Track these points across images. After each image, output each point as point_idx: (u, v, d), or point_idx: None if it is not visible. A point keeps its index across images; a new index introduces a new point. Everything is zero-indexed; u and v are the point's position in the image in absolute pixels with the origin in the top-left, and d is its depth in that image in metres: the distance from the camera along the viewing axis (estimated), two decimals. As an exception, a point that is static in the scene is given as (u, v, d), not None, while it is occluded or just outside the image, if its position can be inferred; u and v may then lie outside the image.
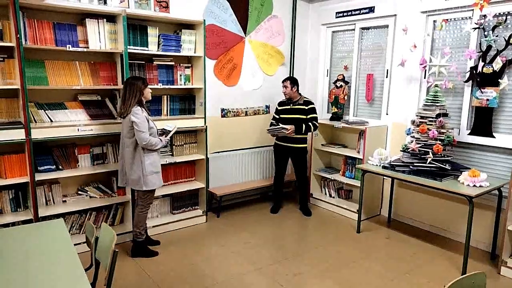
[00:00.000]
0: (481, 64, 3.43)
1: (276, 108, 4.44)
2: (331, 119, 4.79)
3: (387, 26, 4.33)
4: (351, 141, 4.73)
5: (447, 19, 3.63)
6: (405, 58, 3.89)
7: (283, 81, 4.30)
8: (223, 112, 4.58)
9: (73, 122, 3.37)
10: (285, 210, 4.64)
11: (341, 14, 4.73)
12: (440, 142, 3.43)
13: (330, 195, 4.88)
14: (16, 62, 3.00)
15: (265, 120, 4.85)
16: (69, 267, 1.81)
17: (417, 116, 3.64)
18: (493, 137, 3.52)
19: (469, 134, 3.68)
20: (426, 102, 3.58)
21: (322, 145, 4.81)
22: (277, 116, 4.39)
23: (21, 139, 3.03)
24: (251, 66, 4.73)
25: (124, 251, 3.45)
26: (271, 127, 4.30)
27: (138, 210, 3.40)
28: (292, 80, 4.27)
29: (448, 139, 3.44)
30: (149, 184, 3.27)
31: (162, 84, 3.82)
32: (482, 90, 3.49)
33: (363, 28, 4.62)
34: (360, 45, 4.67)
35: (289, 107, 4.31)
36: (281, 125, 4.19)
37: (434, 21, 3.87)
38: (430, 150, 3.45)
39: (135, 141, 3.18)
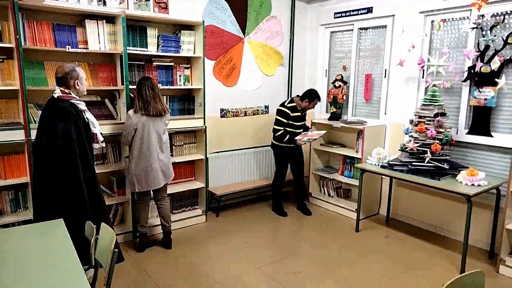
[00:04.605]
0: (479, 63, 3.44)
1: (289, 114, 4.21)
2: (330, 118, 4.81)
3: (385, 27, 4.34)
4: (350, 140, 4.74)
5: (445, 19, 3.65)
6: (403, 58, 3.90)
7: (313, 101, 4.21)
8: (223, 112, 4.59)
9: (73, 123, 3.36)
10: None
11: (339, 15, 4.75)
12: (438, 142, 3.45)
13: (329, 195, 4.90)
14: (15, 63, 3.01)
15: (264, 120, 4.86)
16: (68, 267, 1.82)
17: (415, 115, 3.65)
18: (491, 136, 3.54)
19: (467, 133, 3.69)
20: (424, 101, 3.60)
21: (321, 144, 4.83)
22: (287, 122, 4.23)
23: (21, 140, 3.04)
24: (250, 67, 4.74)
25: (124, 251, 3.45)
26: (307, 138, 4.21)
27: (168, 202, 3.68)
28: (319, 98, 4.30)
29: (446, 138, 3.46)
30: None
31: (162, 85, 3.83)
32: (480, 89, 3.50)
33: (361, 29, 4.63)
34: (358, 46, 4.68)
35: (300, 114, 4.29)
36: (315, 132, 4.29)
37: (432, 21, 3.89)
38: (428, 150, 3.46)
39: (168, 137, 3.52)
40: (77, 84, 2.76)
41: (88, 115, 2.81)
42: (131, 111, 3.32)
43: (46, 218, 2.44)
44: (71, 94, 2.72)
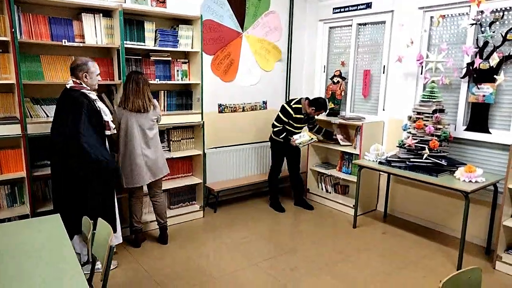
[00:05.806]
0: (478, 60, 3.43)
1: (291, 115, 4.17)
2: (328, 114, 4.79)
3: (384, 22, 4.32)
4: (348, 136, 4.73)
5: (444, 15, 3.63)
6: (402, 54, 3.89)
7: (319, 111, 4.19)
8: (221, 108, 4.57)
9: (69, 117, 3.34)
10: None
11: (338, 10, 4.73)
12: (436, 138, 3.45)
13: (327, 191, 4.90)
14: (11, 57, 2.98)
15: (263, 116, 4.85)
16: (65, 263, 1.81)
17: (413, 112, 3.64)
18: (489, 133, 3.54)
19: (465, 130, 3.69)
20: (422, 98, 3.59)
21: (319, 140, 4.81)
22: (287, 120, 4.21)
23: (17, 134, 3.02)
24: (249, 62, 4.71)
25: (122, 246, 3.44)
26: (302, 142, 4.20)
27: (163, 198, 3.63)
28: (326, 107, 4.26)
29: (444, 135, 3.45)
30: None
31: (159, 80, 3.81)
32: (479, 86, 3.50)
33: (360, 24, 4.61)
34: (357, 41, 4.66)
35: (302, 117, 4.25)
36: (314, 137, 4.27)
37: (431, 17, 3.87)
38: (426, 146, 3.46)
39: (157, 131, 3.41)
40: (85, 76, 2.88)
41: (100, 104, 2.93)
42: (116, 105, 3.32)
43: (60, 211, 2.59)
44: (82, 84, 2.86)
